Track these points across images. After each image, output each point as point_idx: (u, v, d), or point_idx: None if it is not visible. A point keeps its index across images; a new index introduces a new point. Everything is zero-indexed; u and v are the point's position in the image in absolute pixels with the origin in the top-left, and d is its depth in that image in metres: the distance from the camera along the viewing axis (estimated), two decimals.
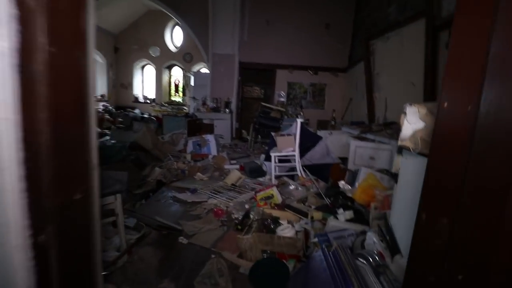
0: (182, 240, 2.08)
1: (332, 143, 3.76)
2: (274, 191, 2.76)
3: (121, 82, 10.02)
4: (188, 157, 4.56)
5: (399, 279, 1.28)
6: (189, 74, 9.32)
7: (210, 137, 5.02)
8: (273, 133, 4.02)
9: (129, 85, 10.08)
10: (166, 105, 9.62)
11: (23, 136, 0.57)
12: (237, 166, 4.23)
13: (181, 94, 10.35)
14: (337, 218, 2.19)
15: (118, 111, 8.44)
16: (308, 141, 3.66)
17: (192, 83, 7.86)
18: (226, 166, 4.26)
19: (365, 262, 1.50)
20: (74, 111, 0.70)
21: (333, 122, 6.64)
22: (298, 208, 2.43)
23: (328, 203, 2.60)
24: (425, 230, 0.65)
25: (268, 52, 7.25)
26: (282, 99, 7.45)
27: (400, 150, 1.58)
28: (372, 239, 1.68)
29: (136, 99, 10.07)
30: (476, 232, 0.49)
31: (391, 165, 2.96)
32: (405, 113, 1.23)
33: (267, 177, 3.71)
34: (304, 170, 3.46)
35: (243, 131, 7.33)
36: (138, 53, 9.81)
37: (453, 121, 0.58)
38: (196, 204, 2.79)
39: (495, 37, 0.46)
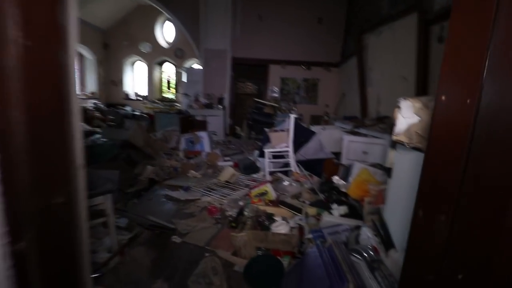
0: (176, 239, 2.05)
1: (326, 138, 3.75)
2: (268, 187, 2.74)
3: (111, 79, 9.83)
4: (181, 154, 4.51)
5: (394, 274, 1.28)
6: (181, 70, 9.19)
7: (203, 134, 4.97)
8: (266, 129, 3.99)
9: (119, 82, 9.89)
10: (158, 102, 9.48)
11: None
12: (231, 163, 4.20)
13: (173, 90, 10.22)
14: (331, 214, 2.19)
15: (109, 109, 8.29)
16: (302, 137, 3.65)
17: (184, 79, 7.75)
18: (220, 163, 4.22)
19: (359, 257, 1.50)
20: (54, 109, 0.66)
21: (326, 117, 6.65)
22: (293, 204, 2.42)
23: (322, 198, 2.60)
24: (422, 228, 0.64)
25: (261, 48, 7.20)
26: (275, 95, 7.42)
27: (394, 144, 1.57)
28: (367, 234, 1.68)
29: (127, 96, 9.90)
30: (477, 230, 0.48)
31: (384, 159, 2.97)
32: (399, 108, 1.22)
33: (261, 173, 3.69)
34: (298, 166, 3.46)
35: (237, 127, 7.28)
36: (129, 49, 9.62)
37: (452, 115, 0.56)
38: (189, 202, 2.76)
39: (497, 27, 0.44)
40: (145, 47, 9.53)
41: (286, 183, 3.05)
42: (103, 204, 1.71)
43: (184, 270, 1.71)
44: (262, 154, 3.76)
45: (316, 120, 6.90)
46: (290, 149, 3.41)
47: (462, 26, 0.55)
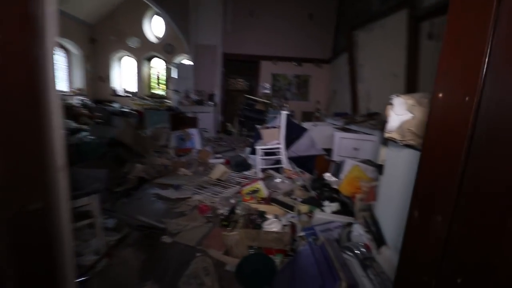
0: (166, 239, 2.01)
1: (317, 134, 3.75)
2: (260, 185, 2.72)
3: (99, 75, 9.58)
4: (171, 152, 4.43)
5: (386, 272, 1.28)
6: (171, 66, 9.02)
7: (193, 131, 4.90)
8: (258, 126, 3.96)
9: (107, 78, 9.65)
10: (148, 98, 9.31)
11: None
12: (222, 160, 4.16)
13: (163, 87, 10.04)
14: (323, 211, 2.19)
15: (96, 105, 8.08)
16: (293, 133, 3.63)
17: (174, 75, 7.61)
18: (211, 161, 4.18)
19: (352, 254, 1.50)
20: (27, 107, 0.61)
21: (317, 114, 6.66)
22: (284, 201, 2.40)
23: (314, 195, 2.60)
24: (418, 229, 0.62)
25: (252, 43, 7.13)
26: (266, 91, 7.39)
27: (386, 141, 1.57)
28: (358, 231, 1.68)
29: (115, 93, 9.68)
30: (478, 232, 0.46)
31: (375, 155, 3.00)
32: (391, 104, 1.21)
33: (253, 170, 3.67)
34: (289, 163, 3.45)
35: (228, 124, 7.23)
36: (116, 44, 9.37)
37: (449, 113, 0.55)
38: (180, 201, 2.71)
39: (499, 22, 0.42)
40: (133, 42, 9.31)
41: (278, 180, 3.03)
42: (89, 205, 1.65)
43: (175, 271, 1.67)
44: (253, 151, 3.73)
45: (308, 116, 6.91)
46: (282, 146, 3.39)
47: (461, 21, 0.53)
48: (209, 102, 6.83)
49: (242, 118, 6.48)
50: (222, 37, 6.86)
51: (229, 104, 7.66)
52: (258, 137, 3.76)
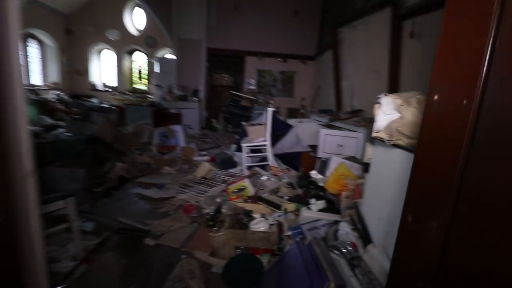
0: (149, 241, 1.93)
1: (302, 131, 3.76)
2: (246, 182, 2.69)
3: (76, 68, 9.13)
4: (154, 149, 4.30)
5: (373, 271, 1.29)
6: (153, 60, 8.74)
7: (177, 128, 4.77)
8: (244, 123, 3.91)
9: (85, 72, 9.22)
10: (129, 93, 9.00)
11: None
12: (207, 158, 4.09)
13: (145, 81, 9.73)
14: (310, 209, 2.19)
15: (74, 101, 7.71)
16: (279, 130, 3.62)
17: (156, 69, 7.38)
18: (196, 158, 4.09)
19: (339, 253, 1.50)
20: None
21: (302, 110, 6.69)
22: (271, 200, 2.38)
23: (300, 193, 2.60)
24: (412, 234, 0.61)
25: (237, 38, 7.02)
26: (252, 87, 7.32)
27: (372, 139, 1.57)
28: (345, 229, 1.68)
29: (94, 87, 9.28)
30: (480, 240, 0.44)
31: (358, 152, 3.04)
32: (379, 104, 1.20)
33: (239, 168, 3.62)
34: (275, 160, 3.43)
35: (213, 120, 7.12)
36: (95, 37, 8.96)
37: (446, 116, 0.53)
38: (164, 201, 2.62)
39: (503, 20, 0.40)
40: (112, 35, 8.93)
41: (264, 178, 3.01)
42: (65, 208, 1.55)
43: (159, 275, 1.61)
44: (239, 149, 3.68)
45: (293, 113, 6.92)
46: (268, 143, 3.37)
47: (459, 19, 0.51)
48: (193, 98, 6.69)
49: (227, 115, 6.39)
50: (206, 32, 6.71)
51: (214, 100, 7.54)
52: (243, 134, 3.71)
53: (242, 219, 2.11)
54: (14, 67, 0.68)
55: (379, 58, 3.78)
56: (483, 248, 0.47)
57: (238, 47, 7.08)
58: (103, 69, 9.62)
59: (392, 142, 1.15)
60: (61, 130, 4.70)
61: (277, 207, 2.28)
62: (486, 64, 0.45)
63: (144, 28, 8.98)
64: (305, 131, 3.81)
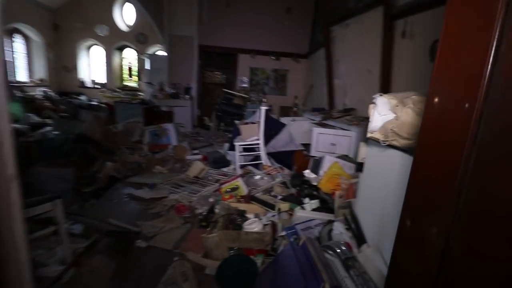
0: (140, 243, 1.89)
1: (295, 130, 3.76)
2: (240, 182, 2.66)
3: (63, 64, 8.88)
4: (145, 148, 4.23)
5: (368, 271, 1.28)
6: (143, 57, 8.58)
7: (169, 126, 4.70)
8: (237, 121, 3.88)
9: (73, 68, 8.98)
10: (119, 90, 8.82)
11: None
12: (200, 157, 4.04)
13: (135, 78, 9.55)
14: (303, 208, 2.18)
15: (61, 98, 7.51)
16: (272, 129, 3.60)
17: (147, 66, 7.25)
18: (188, 157, 4.04)
19: (333, 253, 1.50)
20: None
21: (295, 109, 6.70)
22: (265, 200, 2.36)
23: (294, 192, 2.59)
24: (411, 239, 0.60)
25: (229, 36, 6.95)
26: (245, 85, 7.28)
27: (366, 139, 1.57)
28: (339, 229, 1.68)
29: (82, 84, 9.05)
30: (485, 247, 0.43)
31: (351, 150, 3.06)
32: (375, 104, 1.19)
33: (232, 167, 3.60)
34: (269, 159, 3.42)
35: (205, 118, 7.05)
36: (83, 32, 8.72)
37: (446, 119, 0.52)
38: (155, 201, 2.58)
39: (509, 19, 0.38)
40: (102, 30, 8.71)
41: (257, 177, 2.99)
42: (52, 210, 1.50)
43: (151, 278, 1.58)
44: (232, 147, 3.65)
45: (285, 111, 6.92)
46: (261, 141, 3.35)
47: (461, 18, 0.49)
48: (185, 96, 6.61)
49: (219, 113, 6.34)
50: (198, 28, 6.62)
51: (206, 98, 7.46)
52: (236, 132, 3.68)
53: (235, 220, 2.08)
54: None
55: (371, 57, 3.80)
56: (485, 253, 0.46)
57: (230, 44, 7.02)
58: (92, 65, 9.40)
59: (387, 143, 1.15)
60: (48, 128, 4.57)
61: (271, 207, 2.26)
62: (489, 66, 0.44)
63: (134, 24, 8.80)
64: (298, 130, 3.81)
